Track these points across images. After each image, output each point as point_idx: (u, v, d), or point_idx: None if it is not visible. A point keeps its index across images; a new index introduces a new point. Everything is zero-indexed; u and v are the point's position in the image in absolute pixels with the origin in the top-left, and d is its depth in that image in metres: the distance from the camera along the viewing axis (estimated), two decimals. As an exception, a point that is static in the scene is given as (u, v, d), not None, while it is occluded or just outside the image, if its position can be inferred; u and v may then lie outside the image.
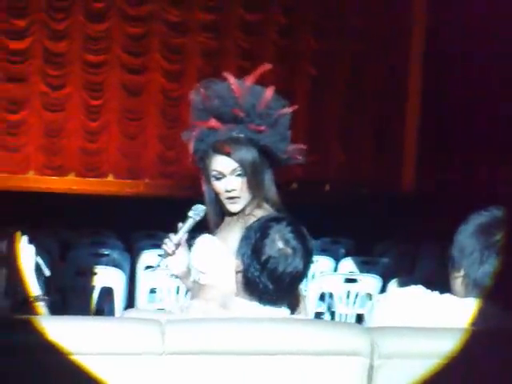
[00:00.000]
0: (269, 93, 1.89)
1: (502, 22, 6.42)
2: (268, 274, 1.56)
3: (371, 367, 1.48)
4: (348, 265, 4.19)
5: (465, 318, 1.57)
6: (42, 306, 1.67)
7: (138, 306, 3.53)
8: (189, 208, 1.91)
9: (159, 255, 1.94)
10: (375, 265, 4.13)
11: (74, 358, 1.38)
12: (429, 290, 1.63)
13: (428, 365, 1.49)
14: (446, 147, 7.72)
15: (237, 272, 1.63)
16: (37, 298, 1.68)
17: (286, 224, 1.60)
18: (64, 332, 1.40)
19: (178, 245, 1.89)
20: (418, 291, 1.63)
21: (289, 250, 1.57)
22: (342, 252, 4.92)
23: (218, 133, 1.85)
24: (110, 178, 9.77)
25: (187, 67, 9.61)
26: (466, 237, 1.57)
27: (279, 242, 1.57)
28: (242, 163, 1.83)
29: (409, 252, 4.46)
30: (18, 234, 1.71)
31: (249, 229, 1.64)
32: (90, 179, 9.53)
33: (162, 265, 1.96)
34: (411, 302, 1.61)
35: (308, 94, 9.17)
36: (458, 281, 1.60)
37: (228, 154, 1.84)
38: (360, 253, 4.71)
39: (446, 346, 1.49)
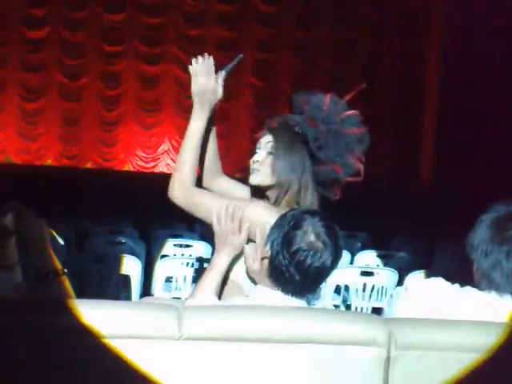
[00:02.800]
0: (350, 112, 1.87)
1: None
2: (296, 265, 1.56)
3: (388, 358, 1.47)
4: (364, 258, 4.17)
5: (487, 312, 1.56)
6: (66, 279, 1.63)
7: (154, 295, 3.54)
8: None
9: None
10: (391, 258, 4.10)
11: (100, 341, 1.39)
12: (449, 283, 1.62)
13: (447, 357, 1.48)
14: (464, 140, 7.65)
15: (263, 258, 1.62)
16: (62, 271, 1.63)
17: (320, 219, 1.60)
18: (91, 315, 1.41)
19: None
20: (438, 283, 1.62)
21: (319, 245, 1.57)
22: (359, 245, 4.90)
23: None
24: (127, 167, 9.83)
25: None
26: (481, 230, 1.58)
27: (311, 235, 1.57)
28: (275, 139, 1.84)
29: (426, 247, 4.42)
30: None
31: (282, 217, 1.63)
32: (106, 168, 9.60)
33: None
34: (432, 295, 1.60)
35: (324, 87, 9.13)
36: (475, 274, 1.60)
37: (271, 130, 1.87)
38: (377, 246, 4.68)
39: (468, 338, 1.48)
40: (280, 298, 1.60)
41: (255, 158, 1.88)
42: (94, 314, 1.42)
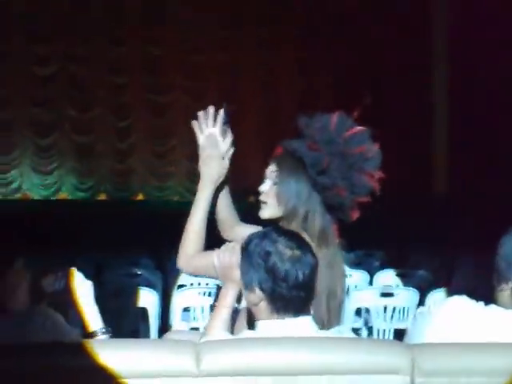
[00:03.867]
0: (356, 129, 1.83)
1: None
2: (293, 285, 1.52)
3: (413, 385, 1.43)
4: (383, 278, 4.11)
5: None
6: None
7: (172, 325, 3.52)
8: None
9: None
10: (411, 277, 4.04)
11: (118, 381, 1.37)
12: (473, 301, 1.58)
13: (475, 382, 1.43)
14: (477, 153, 7.58)
15: (255, 304, 1.57)
16: (96, 333, 1.71)
17: (272, 233, 1.58)
18: (105, 355, 1.39)
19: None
20: (462, 302, 1.58)
21: (297, 252, 1.54)
22: (377, 264, 4.84)
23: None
24: (140, 196, 9.88)
25: (208, 86, 9.70)
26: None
27: (285, 251, 1.54)
28: (279, 168, 1.83)
29: (445, 263, 4.35)
30: (73, 269, 1.73)
31: (246, 259, 1.59)
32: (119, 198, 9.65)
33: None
34: (456, 314, 1.56)
35: (331, 103, 9.13)
36: (505, 293, 1.55)
37: (275, 158, 1.87)
38: (395, 264, 4.62)
39: (496, 362, 1.44)
40: (285, 324, 1.55)
41: (261, 188, 1.87)
42: (111, 354, 1.40)
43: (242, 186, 9.80)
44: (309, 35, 9.37)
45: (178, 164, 9.80)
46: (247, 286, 1.59)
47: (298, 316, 1.55)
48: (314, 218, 1.81)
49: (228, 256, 1.72)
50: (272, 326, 1.56)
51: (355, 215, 1.86)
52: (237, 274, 1.65)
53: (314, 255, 1.57)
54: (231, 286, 1.71)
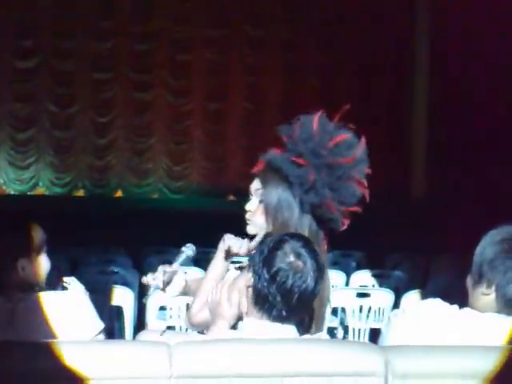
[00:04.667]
0: (340, 137, 1.80)
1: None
2: (277, 286, 1.53)
3: (386, 387, 1.43)
4: (360, 278, 4.13)
5: (488, 334, 1.53)
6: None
7: (147, 324, 3.49)
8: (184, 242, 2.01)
9: (151, 288, 1.94)
10: (387, 278, 4.07)
11: (87, 383, 1.35)
12: (447, 304, 1.59)
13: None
14: (455, 151, 7.64)
15: (247, 287, 1.59)
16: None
17: (299, 239, 1.58)
18: (77, 357, 1.37)
19: (171, 275, 1.93)
20: (436, 305, 1.59)
21: (300, 264, 1.54)
22: (354, 265, 4.87)
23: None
24: (119, 193, 9.79)
25: (193, 83, 9.64)
26: (496, 254, 1.53)
27: (291, 255, 1.54)
28: (264, 185, 1.82)
29: (421, 264, 4.40)
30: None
31: (262, 243, 1.63)
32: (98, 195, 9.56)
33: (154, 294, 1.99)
34: (431, 317, 1.56)
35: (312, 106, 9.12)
36: (486, 297, 1.55)
37: (258, 175, 1.86)
38: (372, 265, 4.66)
39: (468, 364, 1.45)
40: (268, 327, 1.56)
41: (247, 207, 1.87)
42: (80, 355, 1.38)
43: (222, 184, 9.79)
44: (296, 36, 9.35)
45: (158, 161, 9.74)
46: (249, 262, 1.59)
47: (274, 323, 1.55)
48: (303, 231, 1.79)
49: (215, 293, 1.75)
50: (254, 327, 1.56)
51: (346, 223, 1.85)
52: (225, 309, 1.67)
53: (316, 281, 1.55)
54: (220, 323, 1.72)
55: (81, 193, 9.78)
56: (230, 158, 9.67)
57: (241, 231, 1.90)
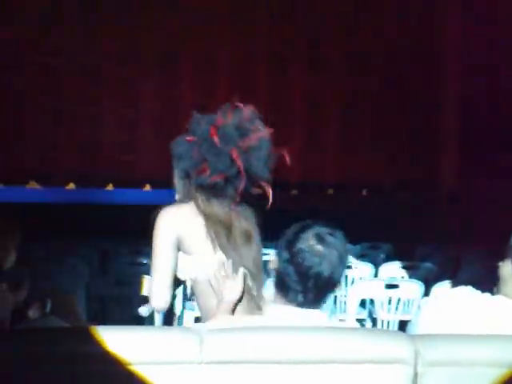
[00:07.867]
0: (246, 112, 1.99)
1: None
2: (295, 266, 1.54)
3: (415, 375, 1.43)
4: (388, 270, 4.10)
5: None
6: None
7: (176, 314, 3.52)
8: None
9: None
10: (417, 269, 4.03)
11: (124, 367, 1.38)
12: (478, 292, 1.58)
13: (476, 373, 1.43)
14: (486, 146, 7.52)
15: (273, 269, 1.61)
16: None
17: (324, 225, 1.59)
18: (114, 341, 1.40)
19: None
20: (467, 292, 1.58)
21: (320, 249, 1.54)
22: (382, 257, 4.83)
23: None
24: (147, 187, 9.87)
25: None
26: None
27: (313, 239, 1.55)
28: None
29: (452, 255, 4.33)
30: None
31: (291, 225, 1.64)
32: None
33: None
34: (461, 304, 1.55)
35: (341, 100, 9.04)
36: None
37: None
38: (401, 257, 4.61)
39: (496, 353, 1.43)
40: (292, 313, 1.56)
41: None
42: (115, 340, 1.41)
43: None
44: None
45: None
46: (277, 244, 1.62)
47: (304, 307, 1.56)
48: (198, 204, 1.95)
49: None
50: (280, 312, 1.56)
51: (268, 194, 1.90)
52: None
53: (336, 269, 1.56)
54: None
55: (110, 187, 9.90)
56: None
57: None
